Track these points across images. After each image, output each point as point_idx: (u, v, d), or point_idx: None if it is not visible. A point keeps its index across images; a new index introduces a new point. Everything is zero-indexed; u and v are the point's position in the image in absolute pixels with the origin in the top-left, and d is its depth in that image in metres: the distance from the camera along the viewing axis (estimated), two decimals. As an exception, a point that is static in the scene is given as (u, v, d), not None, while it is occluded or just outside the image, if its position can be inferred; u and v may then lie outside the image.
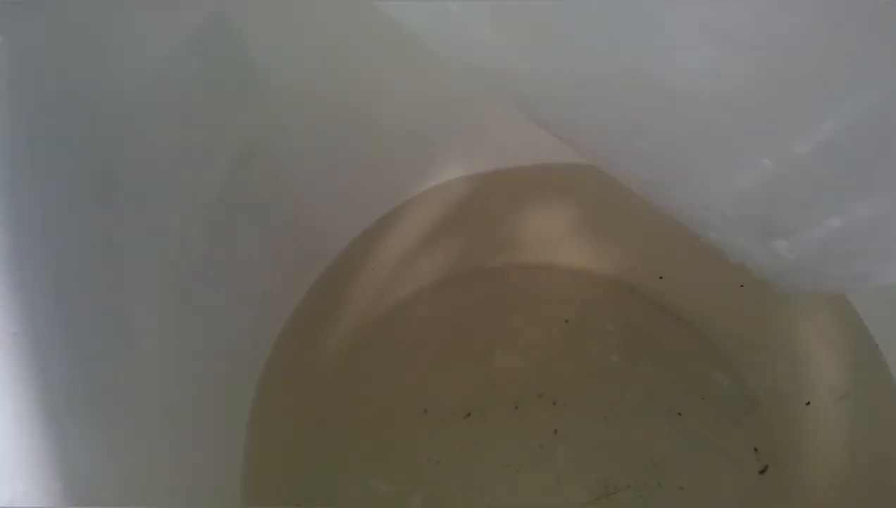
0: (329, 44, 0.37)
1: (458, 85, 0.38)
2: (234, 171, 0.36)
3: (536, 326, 0.43)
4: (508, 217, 0.47)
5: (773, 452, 0.38)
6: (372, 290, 0.45)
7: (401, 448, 0.39)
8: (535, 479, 0.38)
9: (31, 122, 0.26)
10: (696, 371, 0.40)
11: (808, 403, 0.38)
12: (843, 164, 0.17)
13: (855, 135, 0.16)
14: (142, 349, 0.32)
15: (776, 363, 0.40)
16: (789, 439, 0.38)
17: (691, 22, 0.16)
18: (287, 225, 0.41)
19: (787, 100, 0.17)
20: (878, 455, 0.37)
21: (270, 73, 0.36)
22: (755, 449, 0.38)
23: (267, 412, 0.40)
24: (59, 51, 0.27)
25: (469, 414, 0.40)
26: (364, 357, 0.42)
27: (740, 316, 0.41)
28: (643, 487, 0.37)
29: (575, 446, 0.38)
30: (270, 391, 0.41)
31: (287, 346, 0.42)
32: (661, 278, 0.43)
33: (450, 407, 0.40)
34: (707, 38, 0.16)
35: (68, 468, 0.24)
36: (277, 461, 0.39)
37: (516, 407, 0.40)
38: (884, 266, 0.20)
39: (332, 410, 0.41)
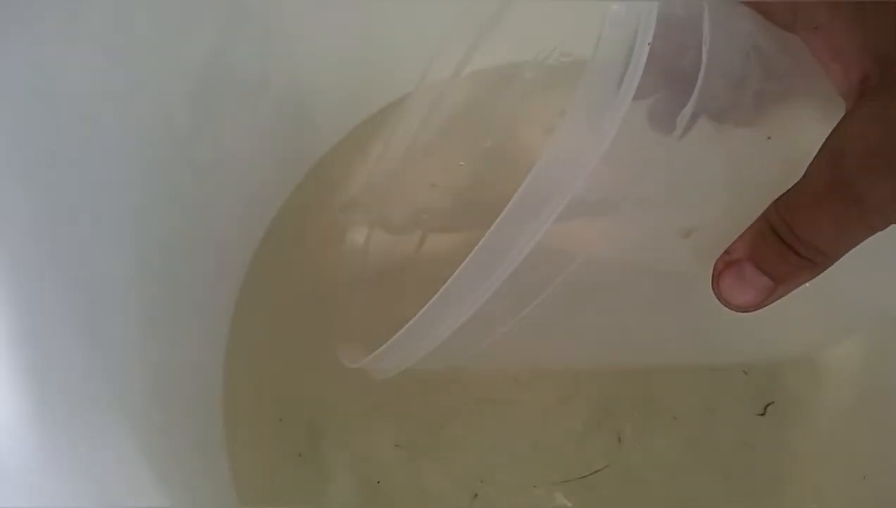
0: None
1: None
2: (221, 36, 0.32)
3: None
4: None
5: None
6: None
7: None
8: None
9: None
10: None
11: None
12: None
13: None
14: (122, 236, 0.29)
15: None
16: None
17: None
18: (277, 110, 0.37)
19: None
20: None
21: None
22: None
23: (251, 306, 0.37)
24: None
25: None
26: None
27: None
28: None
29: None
30: (255, 289, 0.38)
31: (273, 240, 0.38)
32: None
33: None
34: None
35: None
36: (257, 357, 0.36)
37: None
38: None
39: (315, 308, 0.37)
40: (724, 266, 0.22)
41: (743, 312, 0.22)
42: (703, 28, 0.20)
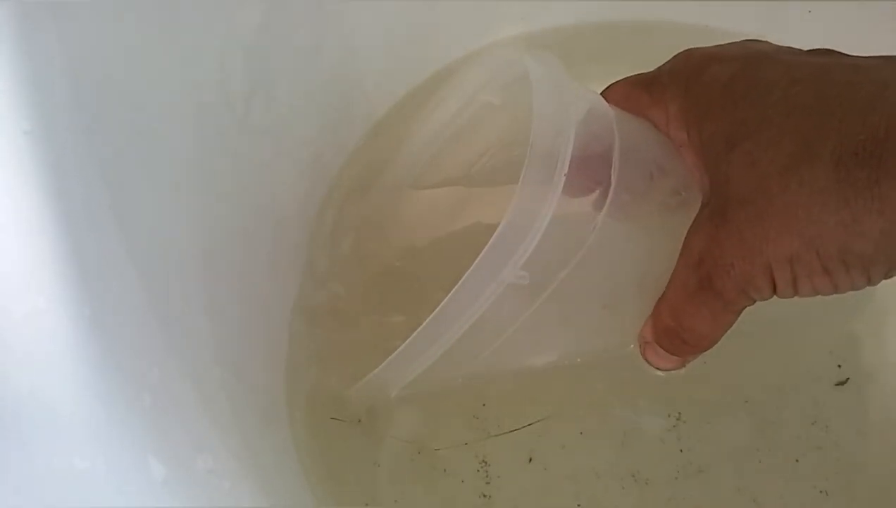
0: None
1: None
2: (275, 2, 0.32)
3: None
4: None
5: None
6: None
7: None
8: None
9: None
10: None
11: None
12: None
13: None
14: (179, 203, 0.29)
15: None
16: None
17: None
18: (330, 76, 0.37)
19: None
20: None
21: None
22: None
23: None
24: None
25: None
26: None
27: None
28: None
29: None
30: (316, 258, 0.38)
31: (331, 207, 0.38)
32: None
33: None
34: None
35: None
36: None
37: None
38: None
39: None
40: (643, 344, 0.28)
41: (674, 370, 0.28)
42: (612, 158, 0.25)
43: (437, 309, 0.24)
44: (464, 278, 0.24)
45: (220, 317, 0.31)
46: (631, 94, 0.28)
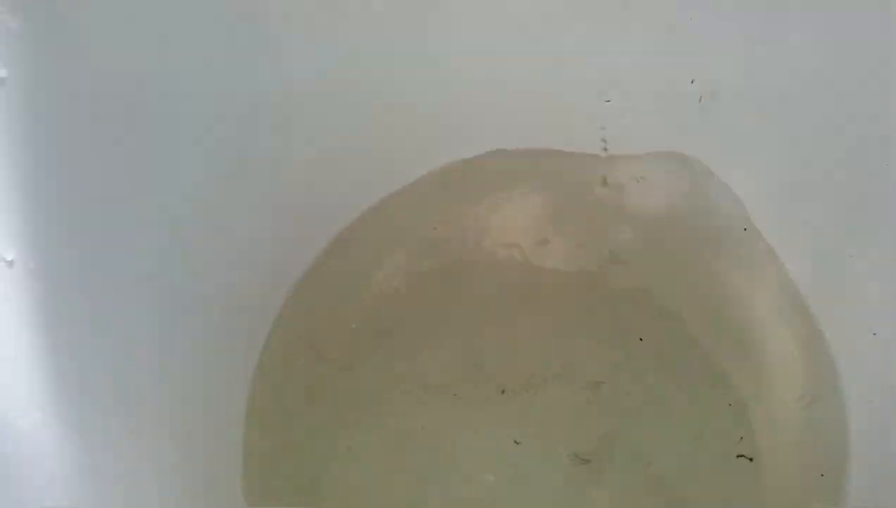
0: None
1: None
2: (243, 120, 0.35)
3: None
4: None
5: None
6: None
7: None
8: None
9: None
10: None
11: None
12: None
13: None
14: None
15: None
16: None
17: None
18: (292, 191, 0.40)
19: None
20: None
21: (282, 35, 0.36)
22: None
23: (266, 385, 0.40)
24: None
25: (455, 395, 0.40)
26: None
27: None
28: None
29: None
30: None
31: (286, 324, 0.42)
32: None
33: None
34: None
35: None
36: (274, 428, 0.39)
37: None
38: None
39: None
40: None
41: None
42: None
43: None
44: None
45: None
46: None
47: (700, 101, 0.40)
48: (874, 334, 0.35)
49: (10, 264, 0.23)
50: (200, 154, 0.34)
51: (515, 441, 0.38)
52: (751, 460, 0.37)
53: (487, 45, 0.39)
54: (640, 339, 0.41)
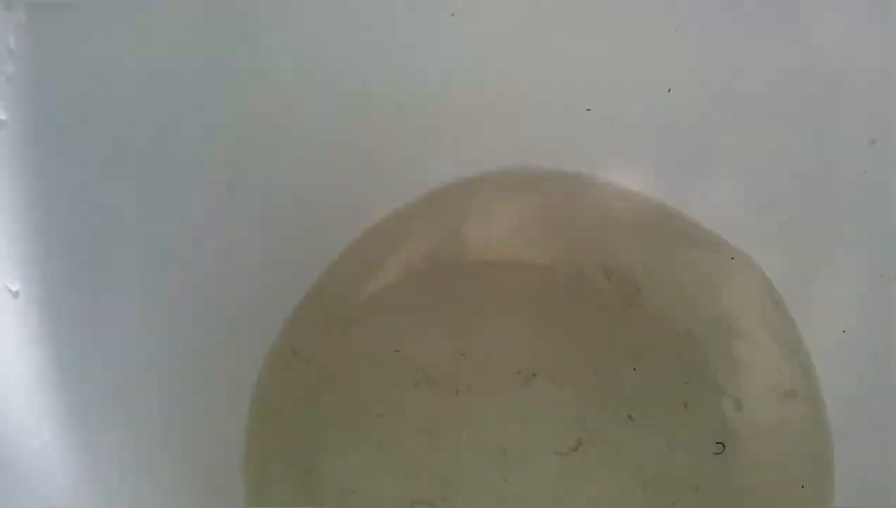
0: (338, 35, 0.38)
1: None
2: (236, 146, 0.37)
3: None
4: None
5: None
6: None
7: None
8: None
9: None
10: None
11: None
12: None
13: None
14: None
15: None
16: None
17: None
18: (289, 210, 0.42)
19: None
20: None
21: (278, 59, 0.37)
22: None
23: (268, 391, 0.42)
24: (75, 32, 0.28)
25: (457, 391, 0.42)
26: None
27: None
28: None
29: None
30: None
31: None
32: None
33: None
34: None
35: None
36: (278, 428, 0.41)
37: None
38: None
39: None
40: None
41: None
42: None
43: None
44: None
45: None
46: None
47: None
48: (843, 331, 0.37)
49: (16, 294, 0.25)
50: (199, 176, 0.36)
51: (507, 437, 0.40)
52: (724, 447, 0.39)
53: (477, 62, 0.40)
54: (622, 337, 0.43)
